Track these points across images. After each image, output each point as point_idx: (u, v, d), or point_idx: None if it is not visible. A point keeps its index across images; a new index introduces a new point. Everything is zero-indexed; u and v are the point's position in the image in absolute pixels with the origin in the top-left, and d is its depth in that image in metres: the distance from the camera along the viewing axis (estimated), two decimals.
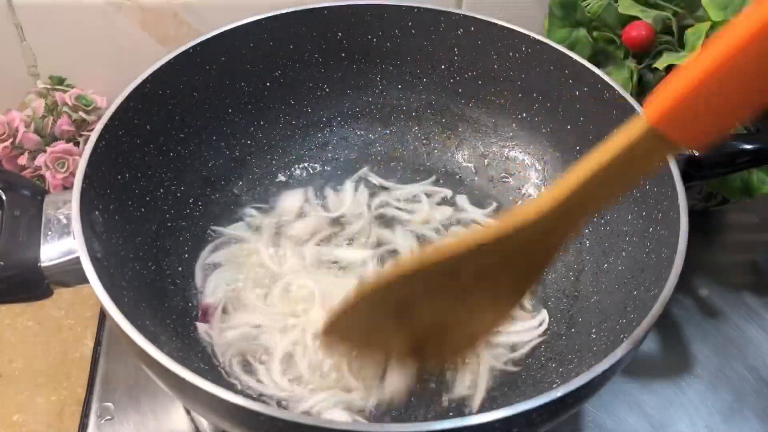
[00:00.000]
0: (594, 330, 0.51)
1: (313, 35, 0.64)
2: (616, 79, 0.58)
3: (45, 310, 0.65)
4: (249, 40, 0.62)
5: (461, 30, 0.64)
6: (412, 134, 0.69)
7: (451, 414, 0.49)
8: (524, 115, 0.66)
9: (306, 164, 0.67)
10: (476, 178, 0.67)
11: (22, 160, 0.69)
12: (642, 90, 0.66)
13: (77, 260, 0.42)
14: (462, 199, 0.66)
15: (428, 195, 0.65)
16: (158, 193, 0.57)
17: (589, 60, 0.59)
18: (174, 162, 0.59)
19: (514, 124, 0.67)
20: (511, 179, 0.66)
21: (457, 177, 0.68)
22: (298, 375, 0.51)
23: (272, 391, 0.50)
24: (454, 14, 0.63)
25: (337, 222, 0.62)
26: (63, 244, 0.44)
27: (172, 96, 0.57)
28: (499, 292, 0.40)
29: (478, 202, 0.65)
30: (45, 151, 0.69)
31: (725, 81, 0.30)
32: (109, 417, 0.56)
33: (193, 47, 0.58)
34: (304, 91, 0.67)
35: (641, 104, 0.55)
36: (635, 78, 0.66)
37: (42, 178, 0.69)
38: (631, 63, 0.67)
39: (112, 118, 0.50)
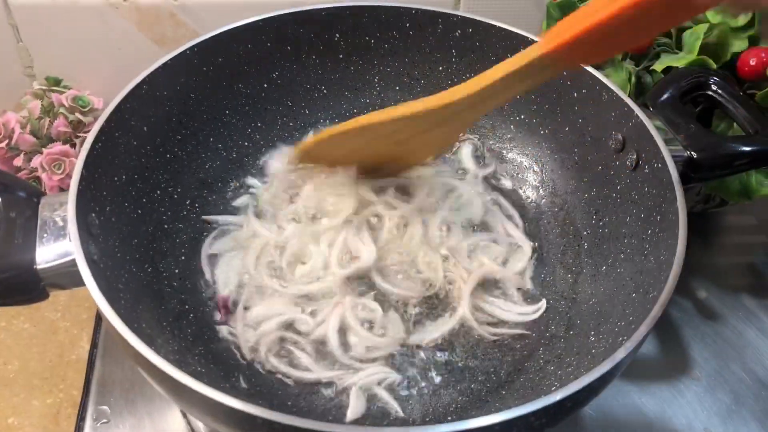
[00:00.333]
0: (593, 332, 0.51)
1: (311, 36, 0.64)
2: (614, 81, 0.58)
3: (41, 313, 0.65)
4: (246, 42, 0.62)
5: (459, 31, 0.64)
6: None
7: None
8: (522, 116, 0.66)
9: None
10: (475, 180, 0.67)
11: (18, 162, 0.69)
12: (640, 92, 0.66)
13: (73, 262, 0.41)
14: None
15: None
16: (155, 195, 0.57)
17: None
18: (171, 163, 0.58)
19: (512, 126, 0.67)
20: (509, 181, 0.66)
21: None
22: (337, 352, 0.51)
23: (316, 376, 0.50)
24: (452, 16, 0.63)
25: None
26: (59, 246, 0.44)
27: (169, 97, 0.57)
28: (428, 144, 0.58)
29: None
30: (41, 153, 0.68)
31: (615, 29, 0.40)
32: (105, 420, 0.56)
33: (191, 48, 0.58)
34: (301, 92, 0.67)
35: (640, 106, 0.55)
36: (633, 80, 0.66)
37: (38, 179, 0.69)
38: (629, 65, 0.67)
39: (108, 120, 0.50)
